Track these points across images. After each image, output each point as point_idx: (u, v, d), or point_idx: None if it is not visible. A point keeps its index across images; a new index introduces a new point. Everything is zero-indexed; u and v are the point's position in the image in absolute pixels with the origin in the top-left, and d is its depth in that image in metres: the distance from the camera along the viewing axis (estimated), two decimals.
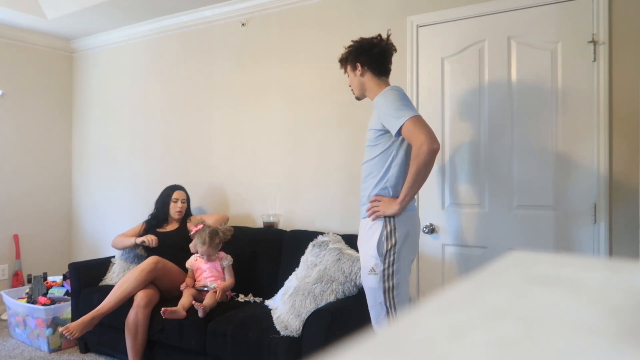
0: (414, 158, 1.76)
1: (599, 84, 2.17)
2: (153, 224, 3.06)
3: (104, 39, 4.04)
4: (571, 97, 2.25)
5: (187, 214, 3.14)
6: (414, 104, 2.55)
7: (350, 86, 2.09)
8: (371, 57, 1.96)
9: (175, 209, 3.04)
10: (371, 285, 1.86)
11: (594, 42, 2.17)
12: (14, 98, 3.95)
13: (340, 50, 2.88)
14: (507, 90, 2.40)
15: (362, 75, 1.99)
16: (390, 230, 1.83)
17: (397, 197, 1.84)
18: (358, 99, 2.10)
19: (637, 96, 2.11)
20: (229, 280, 2.71)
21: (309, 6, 3.03)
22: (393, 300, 1.83)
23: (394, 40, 2.04)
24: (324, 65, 2.96)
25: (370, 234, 1.86)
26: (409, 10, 2.66)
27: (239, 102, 3.34)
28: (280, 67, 3.15)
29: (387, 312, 1.84)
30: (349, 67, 2.04)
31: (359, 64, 1.99)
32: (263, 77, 3.22)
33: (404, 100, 1.81)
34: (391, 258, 1.82)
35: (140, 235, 2.99)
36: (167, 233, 3.01)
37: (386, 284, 1.82)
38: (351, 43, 2.04)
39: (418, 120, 1.75)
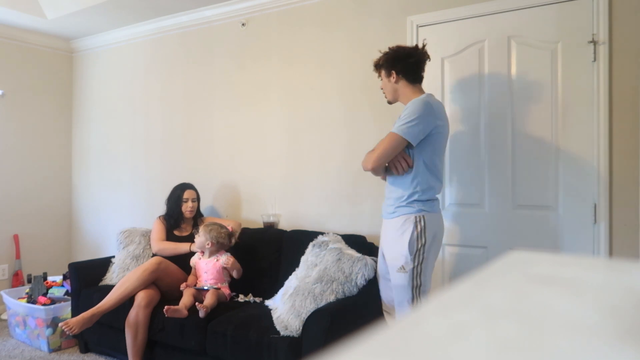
0: (369, 154, 1.98)
1: (599, 84, 2.17)
2: (171, 223, 3.03)
3: (104, 39, 4.04)
4: (571, 97, 2.25)
5: (197, 213, 3.13)
6: None
7: (382, 89, 2.15)
8: (407, 66, 2.04)
9: (186, 208, 3.02)
10: (401, 283, 1.93)
11: (594, 42, 2.17)
12: (14, 98, 3.95)
13: (340, 50, 2.90)
14: (507, 91, 2.40)
15: (396, 82, 2.07)
16: (421, 230, 1.91)
17: (427, 200, 1.95)
18: (390, 103, 2.18)
19: (637, 96, 2.11)
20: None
21: (309, 6, 3.03)
22: (420, 297, 1.93)
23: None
24: (324, 65, 2.96)
25: (400, 233, 1.94)
26: (409, 10, 2.66)
27: (238, 102, 3.34)
28: (280, 67, 3.15)
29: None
30: (383, 73, 2.11)
31: (394, 72, 2.06)
32: (263, 77, 3.22)
33: (419, 117, 1.89)
34: (421, 257, 1.91)
35: (166, 239, 2.97)
36: (184, 237, 2.99)
37: (415, 282, 1.91)
38: (387, 49, 2.10)
39: (395, 139, 1.90)
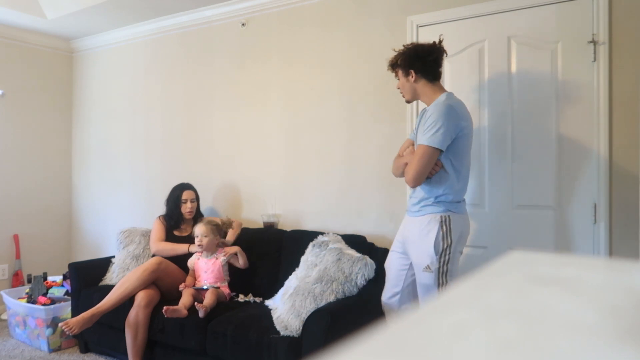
0: (405, 173, 1.96)
1: (599, 84, 2.17)
2: (171, 224, 3.03)
3: (104, 39, 4.04)
4: (571, 97, 2.25)
5: (197, 213, 3.13)
6: (415, 106, 2.55)
7: (399, 89, 2.10)
8: (426, 65, 1.99)
9: (185, 209, 3.02)
10: (426, 282, 1.94)
11: (594, 42, 2.17)
12: (14, 98, 3.95)
13: (340, 50, 2.90)
14: (507, 91, 2.40)
15: (415, 81, 2.02)
16: (446, 231, 1.91)
17: (453, 201, 1.94)
18: (408, 102, 2.15)
19: (637, 96, 2.11)
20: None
21: (309, 6, 3.03)
22: None
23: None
24: (324, 65, 2.96)
25: (425, 232, 1.93)
26: (409, 10, 2.66)
27: (238, 102, 3.34)
28: (280, 67, 3.15)
29: None
30: (400, 72, 2.05)
31: (412, 71, 2.00)
32: (263, 77, 3.22)
33: (444, 123, 1.86)
34: (446, 257, 1.91)
35: (166, 239, 2.97)
36: (184, 237, 2.99)
37: (441, 280, 1.92)
38: (403, 48, 2.04)
39: (427, 152, 1.87)
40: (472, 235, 2.47)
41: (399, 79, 2.08)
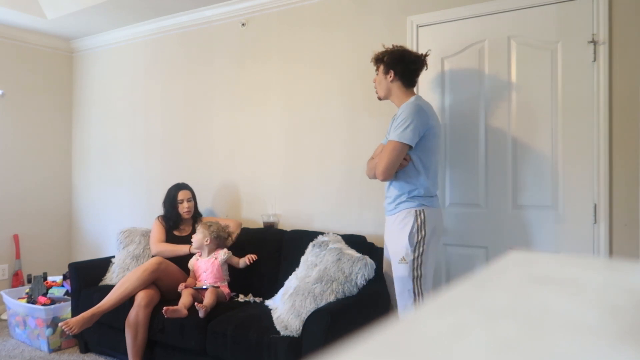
0: (375, 167, 2.06)
1: (599, 84, 2.17)
2: (170, 224, 3.03)
3: (104, 39, 4.04)
4: (571, 97, 2.25)
5: (196, 212, 3.13)
6: None
7: (374, 83, 2.21)
8: (407, 70, 2.12)
9: (182, 209, 3.02)
10: (401, 274, 2.01)
11: (594, 42, 2.17)
12: (14, 98, 3.95)
13: (340, 50, 2.90)
14: (507, 90, 2.40)
15: (392, 81, 2.14)
16: (421, 223, 2.00)
17: (426, 195, 2.04)
18: (380, 99, 2.24)
19: (637, 96, 2.11)
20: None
21: (309, 6, 3.03)
22: (421, 288, 2.01)
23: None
24: (324, 65, 2.96)
25: (401, 226, 2.02)
26: (409, 10, 2.66)
27: (238, 102, 3.34)
28: (280, 67, 3.15)
29: (415, 300, 2.01)
30: (381, 68, 2.16)
31: (392, 71, 2.12)
32: (263, 77, 3.22)
33: (414, 121, 1.97)
34: (421, 249, 1.99)
35: (166, 239, 2.97)
36: (184, 237, 2.98)
37: (415, 272, 1.99)
38: (392, 47, 2.16)
39: (396, 147, 1.98)
40: (472, 235, 2.47)
41: (377, 74, 2.19)
